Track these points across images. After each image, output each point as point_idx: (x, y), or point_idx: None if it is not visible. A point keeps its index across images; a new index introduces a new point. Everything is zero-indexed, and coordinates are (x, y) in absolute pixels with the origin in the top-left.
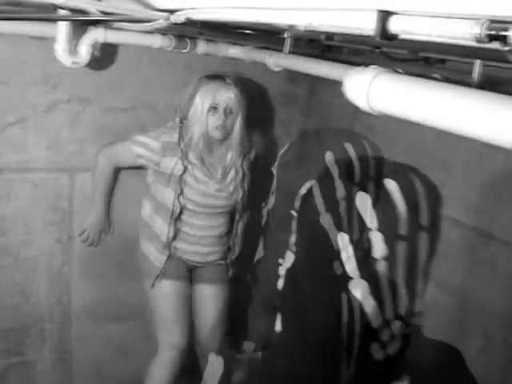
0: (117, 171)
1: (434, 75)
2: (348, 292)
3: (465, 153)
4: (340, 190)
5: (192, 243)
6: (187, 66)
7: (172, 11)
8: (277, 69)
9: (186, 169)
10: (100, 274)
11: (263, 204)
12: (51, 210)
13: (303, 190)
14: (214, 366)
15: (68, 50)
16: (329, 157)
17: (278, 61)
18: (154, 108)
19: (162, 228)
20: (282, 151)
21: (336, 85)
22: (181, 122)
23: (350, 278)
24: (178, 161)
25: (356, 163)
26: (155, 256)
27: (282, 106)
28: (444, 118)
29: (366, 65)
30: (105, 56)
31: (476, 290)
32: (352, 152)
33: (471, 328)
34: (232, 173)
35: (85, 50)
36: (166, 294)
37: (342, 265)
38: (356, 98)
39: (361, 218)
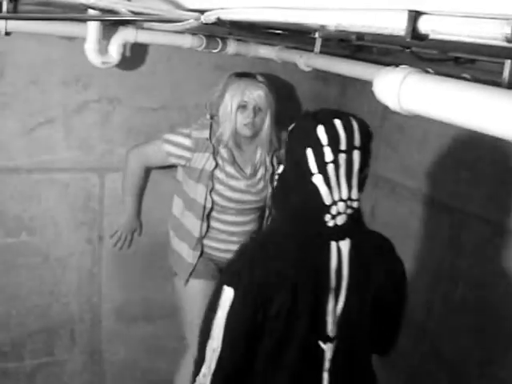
0: (147, 171)
1: (464, 75)
2: (338, 241)
3: (493, 152)
4: (328, 155)
5: (222, 240)
6: (217, 66)
7: (202, 11)
8: (307, 69)
9: (217, 164)
10: (130, 274)
11: (275, 172)
12: (81, 210)
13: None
14: (225, 295)
15: (98, 50)
16: (320, 129)
17: (308, 61)
18: (183, 108)
19: (194, 224)
20: (290, 127)
21: (366, 85)
22: (211, 117)
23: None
24: (209, 156)
25: (342, 134)
26: (187, 252)
27: (312, 105)
28: (474, 119)
29: (396, 65)
30: (135, 56)
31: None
32: (340, 126)
33: (497, 327)
34: (262, 170)
35: (115, 50)
36: (195, 293)
37: (334, 218)
38: (386, 98)
39: (349, 179)
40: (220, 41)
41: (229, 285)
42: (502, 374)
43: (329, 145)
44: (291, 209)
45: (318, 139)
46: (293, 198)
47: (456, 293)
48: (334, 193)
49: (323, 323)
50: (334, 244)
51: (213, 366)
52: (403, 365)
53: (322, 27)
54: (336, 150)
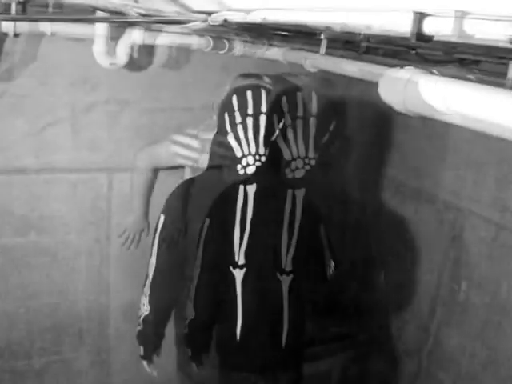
0: (155, 172)
1: (469, 76)
2: (246, 185)
3: (499, 152)
4: (237, 118)
5: None
6: (224, 67)
7: (209, 13)
8: (313, 70)
9: None
10: (137, 273)
11: None
12: (89, 210)
13: None
14: (160, 220)
15: (106, 52)
16: (234, 97)
17: (314, 62)
18: (191, 109)
19: None
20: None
21: (372, 86)
22: None
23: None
24: None
25: (250, 102)
26: None
27: (318, 105)
28: (478, 120)
29: (401, 66)
30: (142, 57)
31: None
32: (249, 95)
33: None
34: None
35: (123, 52)
36: None
37: (244, 168)
38: (391, 99)
39: (256, 138)
40: (227, 42)
41: (162, 212)
42: (504, 374)
43: (238, 110)
44: (216, 159)
45: (231, 106)
46: (219, 152)
47: (459, 292)
48: (244, 148)
49: (231, 251)
50: (241, 187)
51: (150, 278)
52: (410, 365)
53: (328, 28)
54: (244, 114)
